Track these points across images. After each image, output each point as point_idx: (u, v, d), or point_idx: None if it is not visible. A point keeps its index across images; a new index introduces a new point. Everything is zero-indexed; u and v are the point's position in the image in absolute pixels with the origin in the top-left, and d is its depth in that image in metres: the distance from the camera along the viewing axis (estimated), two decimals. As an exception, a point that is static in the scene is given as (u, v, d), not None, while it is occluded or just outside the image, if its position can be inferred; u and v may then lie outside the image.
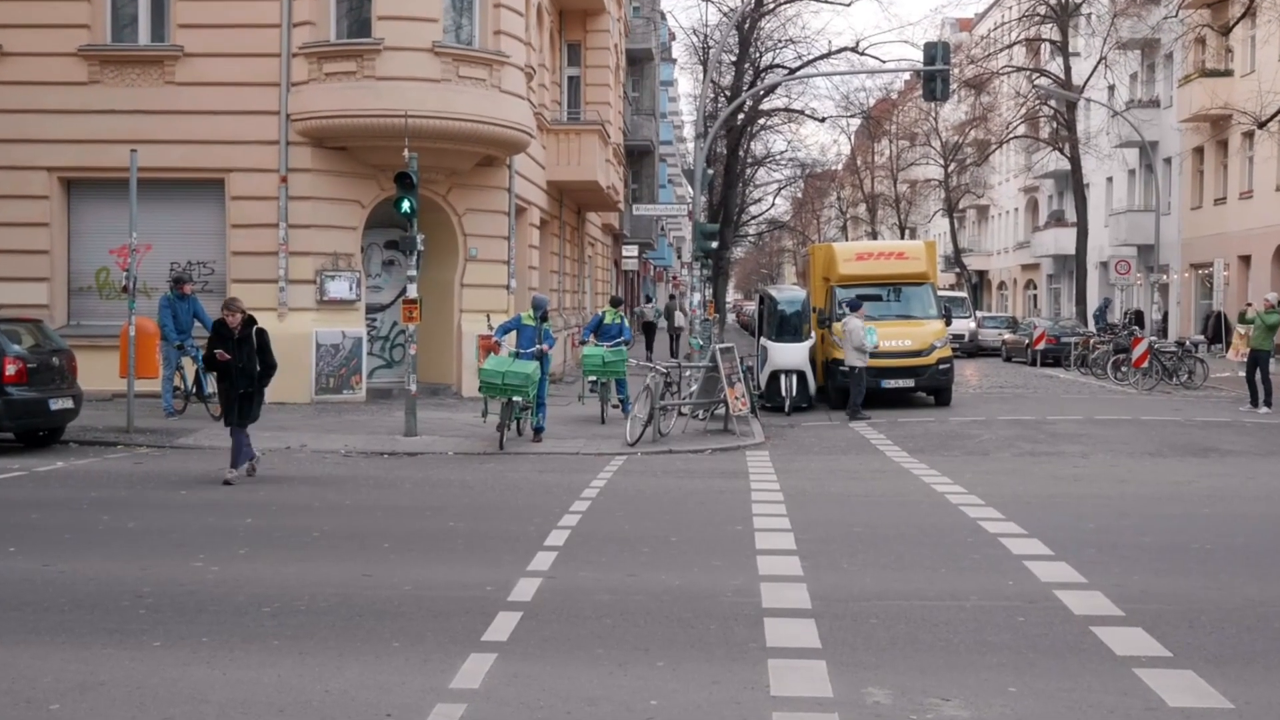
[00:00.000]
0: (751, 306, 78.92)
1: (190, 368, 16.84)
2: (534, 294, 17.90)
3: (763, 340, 20.82)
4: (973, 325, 39.04)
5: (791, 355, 20.04)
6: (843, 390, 20.62)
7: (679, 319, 34.99)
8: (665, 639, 6.29)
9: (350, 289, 19.27)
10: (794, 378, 19.89)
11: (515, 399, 14.37)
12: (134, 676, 5.66)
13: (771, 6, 44.06)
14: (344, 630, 6.43)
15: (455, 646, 6.10)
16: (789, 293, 22.31)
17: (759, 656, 5.97)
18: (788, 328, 20.48)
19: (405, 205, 15.04)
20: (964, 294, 45.59)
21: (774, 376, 20.04)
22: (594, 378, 18.04)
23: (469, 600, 7.02)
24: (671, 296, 47.73)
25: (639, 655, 6.02)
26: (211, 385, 16.59)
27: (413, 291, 15.47)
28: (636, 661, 5.92)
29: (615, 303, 20.15)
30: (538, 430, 15.32)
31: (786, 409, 19.51)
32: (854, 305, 19.86)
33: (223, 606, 6.88)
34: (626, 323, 19.60)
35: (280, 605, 6.90)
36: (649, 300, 52.96)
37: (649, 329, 35.22)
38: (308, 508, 10.41)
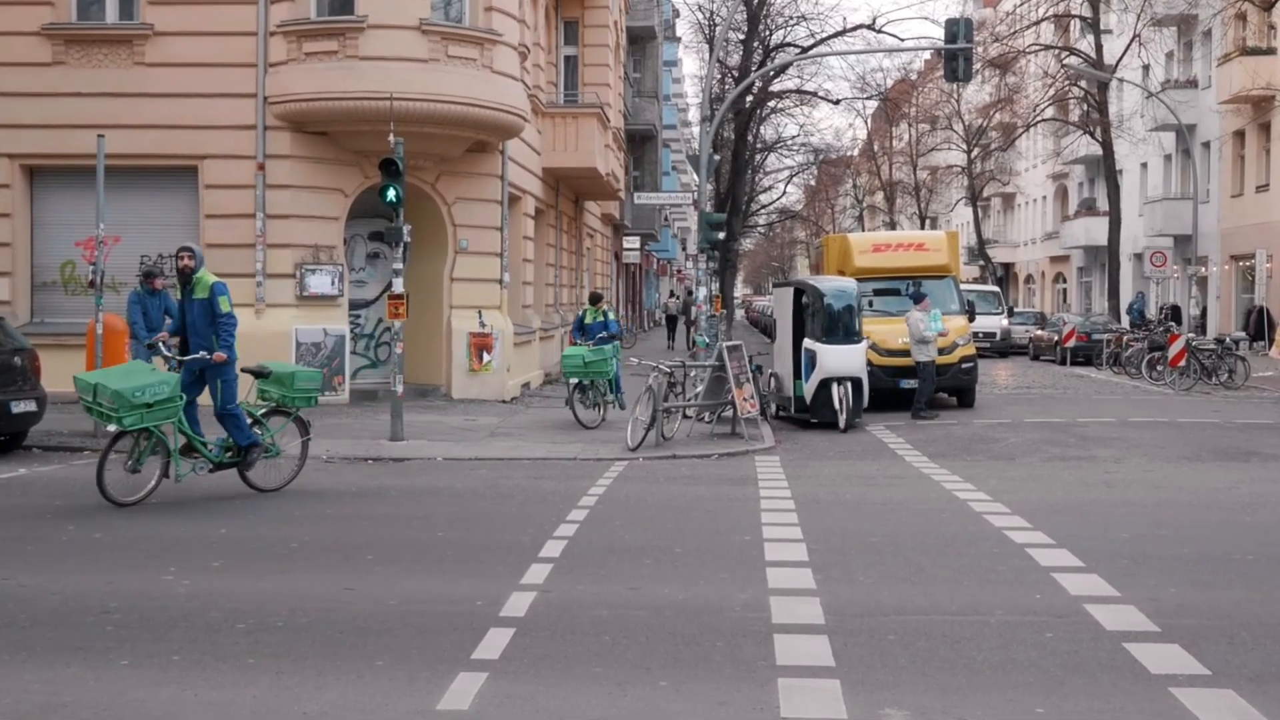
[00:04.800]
0: (763, 301, 78.96)
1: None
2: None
3: (808, 343, 18.27)
4: (1004, 322, 38.97)
5: (846, 359, 17.85)
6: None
7: (692, 312, 35.56)
8: (668, 657, 6.28)
9: (332, 283, 19.28)
10: (848, 386, 17.76)
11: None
12: (100, 698, 5.65)
13: (782, -19, 44.07)
14: (324, 648, 6.42)
15: (443, 665, 6.10)
16: (836, 283, 19.49)
17: (768, 675, 5.96)
18: (838, 326, 18.16)
19: (390, 194, 15.04)
20: (995, 288, 45.51)
21: (823, 385, 17.81)
22: (575, 380, 17.32)
23: (458, 616, 7.01)
24: (689, 291, 48.02)
25: (640, 674, 6.01)
26: (184, 386, 16.63)
27: (399, 286, 15.47)
28: (637, 681, 5.91)
29: (594, 299, 19.62)
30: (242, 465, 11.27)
31: (842, 424, 17.56)
32: (916, 298, 19.79)
33: (195, 623, 6.87)
34: (612, 317, 19.12)
35: (256, 621, 6.89)
36: (684, 294, 53.38)
37: (672, 321, 42.83)
38: (287, 517, 10.40)
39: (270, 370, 11.64)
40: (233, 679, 5.92)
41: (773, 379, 19.27)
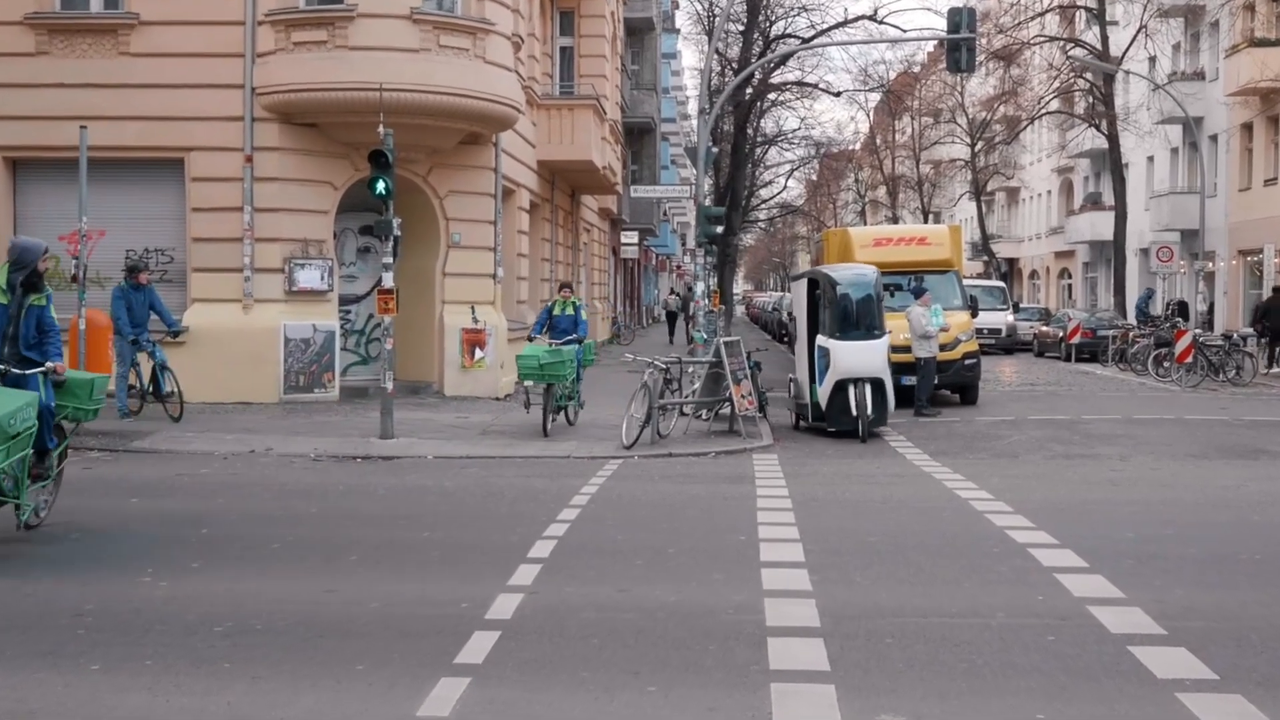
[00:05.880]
0: (764, 297, 78.71)
1: (146, 364, 16.71)
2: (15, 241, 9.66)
3: (820, 339, 16.60)
4: (1010, 318, 38.84)
5: (865, 357, 16.21)
6: None
7: (691, 307, 35.68)
8: (658, 661, 6.18)
9: (322, 278, 19.14)
10: (867, 388, 16.07)
11: None
12: (68, 705, 5.54)
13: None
14: (303, 652, 6.32)
15: (425, 670, 5.99)
16: (852, 271, 17.59)
17: (761, 680, 5.86)
18: (856, 320, 16.50)
19: (380, 186, 14.91)
20: (1000, 283, 45.38)
21: (840, 388, 16.20)
22: (530, 383, 15.86)
23: (442, 618, 6.91)
24: (688, 287, 48.14)
25: (628, 679, 5.90)
26: (170, 383, 16.56)
27: (388, 281, 15.34)
28: (625, 687, 5.80)
29: (563, 287, 18.05)
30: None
31: (862, 433, 15.92)
32: (916, 293, 19.52)
33: (170, 626, 6.76)
34: (583, 314, 17.54)
35: (234, 624, 6.78)
36: (684, 290, 53.56)
37: (672, 318, 43.78)
38: (270, 517, 10.30)
39: (65, 378, 9.58)
40: (206, 685, 5.81)
41: (791, 384, 18.01)
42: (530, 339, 17.09)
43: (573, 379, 16.41)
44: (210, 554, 8.66)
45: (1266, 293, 35.81)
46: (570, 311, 17.08)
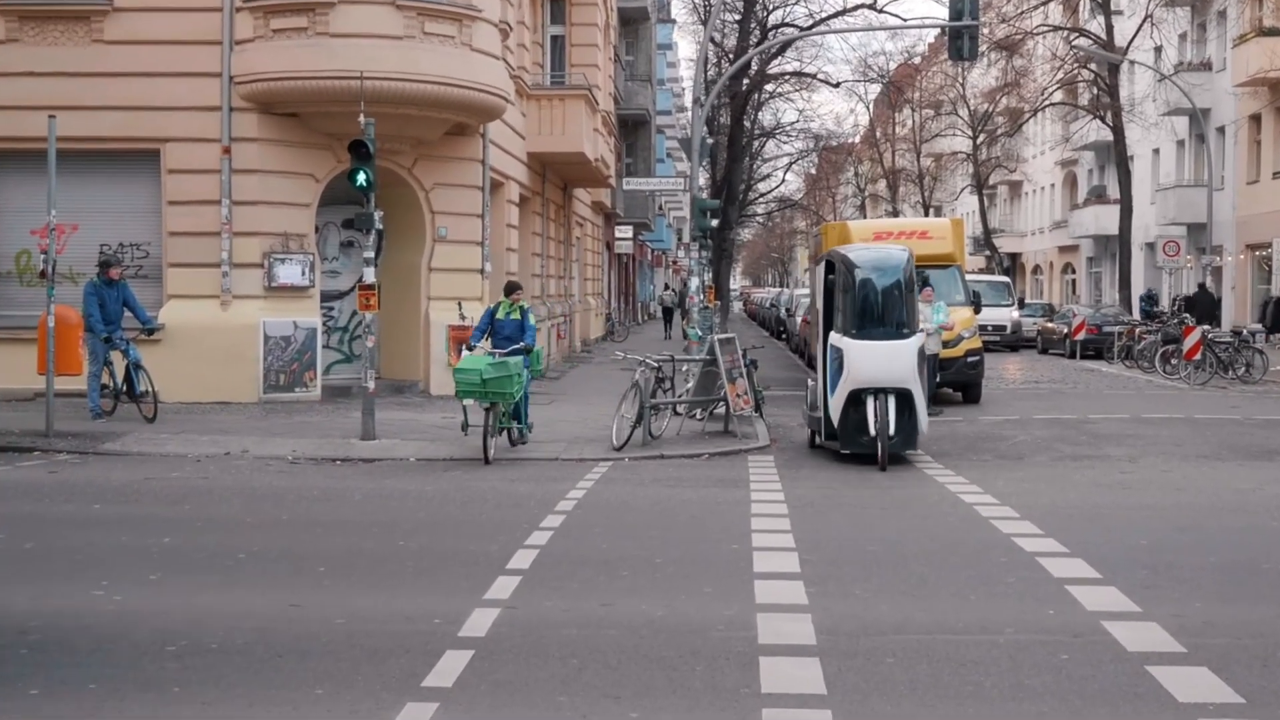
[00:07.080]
0: (762, 293, 78.29)
1: (120, 363, 16.35)
2: None
3: (833, 338, 13.86)
4: (1015, 314, 38.47)
5: (888, 362, 13.38)
6: None
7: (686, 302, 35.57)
8: (641, 683, 5.85)
9: (303, 273, 18.78)
10: (890, 401, 13.24)
11: None
12: (-2, 734, 5.20)
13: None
14: (259, 674, 5.97)
15: (389, 694, 5.65)
16: (876, 253, 14.81)
17: (752, 705, 5.54)
18: (879, 313, 13.72)
19: (361, 178, 14.55)
20: (1005, 279, 45.03)
21: (855, 400, 13.44)
22: (470, 401, 13.61)
23: (412, 636, 6.56)
24: (684, 282, 47.93)
25: (609, 704, 5.57)
26: (145, 383, 16.21)
27: (370, 276, 14.97)
28: (605, 712, 5.48)
29: (510, 289, 15.31)
30: None
31: (881, 460, 13.00)
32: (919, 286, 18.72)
33: (119, 644, 6.41)
34: (531, 319, 14.93)
35: (188, 643, 6.42)
36: (679, 285, 53.40)
37: (669, 313, 44.00)
38: (238, 524, 9.92)
39: None
40: (153, 710, 5.49)
41: (808, 392, 15.49)
42: (470, 348, 14.38)
43: (520, 395, 14.24)
44: (171, 565, 8.29)
45: (1275, 288, 35.63)
46: (516, 316, 14.71)
